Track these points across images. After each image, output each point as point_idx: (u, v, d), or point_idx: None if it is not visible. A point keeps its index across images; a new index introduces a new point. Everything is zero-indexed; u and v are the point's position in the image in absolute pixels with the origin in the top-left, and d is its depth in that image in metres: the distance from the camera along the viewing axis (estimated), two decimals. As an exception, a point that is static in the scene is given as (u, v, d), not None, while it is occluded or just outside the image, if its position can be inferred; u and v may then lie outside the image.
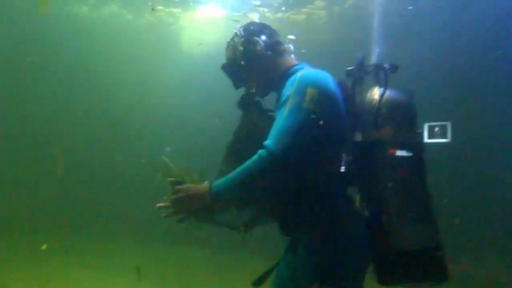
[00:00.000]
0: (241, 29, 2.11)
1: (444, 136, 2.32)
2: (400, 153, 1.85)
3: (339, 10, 8.62)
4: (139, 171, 5.65)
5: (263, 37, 2.05)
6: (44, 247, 5.70)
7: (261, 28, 2.12)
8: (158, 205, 1.94)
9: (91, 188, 8.66)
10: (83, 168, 8.88)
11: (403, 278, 1.82)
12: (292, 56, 2.13)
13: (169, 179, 1.97)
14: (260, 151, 1.74)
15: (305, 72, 1.89)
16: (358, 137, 1.92)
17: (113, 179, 8.69)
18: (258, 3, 7.76)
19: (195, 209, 1.90)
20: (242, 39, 2.07)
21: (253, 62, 2.06)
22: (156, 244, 7.62)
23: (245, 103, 2.11)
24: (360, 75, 2.04)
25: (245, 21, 2.20)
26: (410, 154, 1.87)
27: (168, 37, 9.54)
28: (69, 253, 6.95)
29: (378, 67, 2.03)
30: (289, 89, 1.82)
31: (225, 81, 2.24)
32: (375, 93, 1.95)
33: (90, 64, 9.14)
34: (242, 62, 2.07)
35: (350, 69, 2.05)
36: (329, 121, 1.80)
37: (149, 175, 2.07)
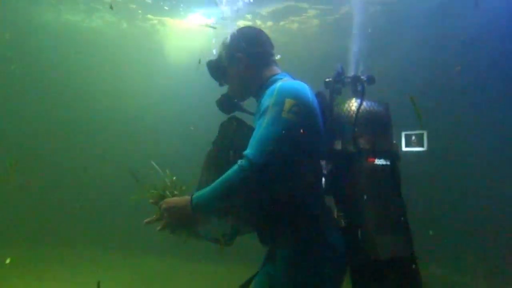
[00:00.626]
0: (234, 32, 2.13)
1: (421, 145, 2.39)
2: (378, 161, 1.89)
3: (332, 19, 8.72)
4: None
5: (252, 44, 2.07)
6: (7, 261, 5.48)
7: (253, 35, 2.13)
8: (145, 220, 1.97)
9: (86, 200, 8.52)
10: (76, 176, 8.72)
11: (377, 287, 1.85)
12: (277, 66, 2.13)
13: (151, 192, 1.99)
14: (240, 161, 1.75)
15: (284, 83, 1.91)
16: (337, 146, 1.95)
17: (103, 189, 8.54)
18: (246, 13, 7.80)
19: (178, 222, 1.91)
20: (228, 43, 2.10)
21: (232, 67, 2.09)
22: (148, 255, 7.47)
23: (224, 104, 2.13)
24: (338, 86, 2.08)
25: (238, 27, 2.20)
26: (388, 163, 1.91)
27: (159, 44, 9.52)
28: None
29: (356, 78, 2.08)
30: (268, 99, 1.84)
31: (208, 88, 2.25)
32: (353, 104, 1.99)
33: (85, 72, 9.06)
34: (223, 64, 2.11)
35: (328, 81, 2.09)
36: (307, 132, 1.82)
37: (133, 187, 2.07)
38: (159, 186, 2.02)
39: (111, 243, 7.70)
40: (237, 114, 2.15)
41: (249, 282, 2.06)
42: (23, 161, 7.92)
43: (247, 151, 1.76)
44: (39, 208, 8.21)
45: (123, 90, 9.46)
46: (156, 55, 9.53)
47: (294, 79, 2.03)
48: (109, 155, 8.84)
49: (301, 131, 1.81)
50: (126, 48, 9.53)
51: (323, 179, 1.98)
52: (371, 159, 1.89)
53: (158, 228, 1.95)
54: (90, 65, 9.26)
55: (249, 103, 2.19)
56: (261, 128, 1.78)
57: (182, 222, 1.92)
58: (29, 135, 8.71)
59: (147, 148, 7.34)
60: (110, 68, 9.35)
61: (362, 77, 2.07)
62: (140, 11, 8.65)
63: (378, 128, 1.97)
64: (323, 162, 2.00)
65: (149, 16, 8.90)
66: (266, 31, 2.21)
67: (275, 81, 1.97)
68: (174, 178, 2.07)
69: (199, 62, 2.52)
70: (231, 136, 1.96)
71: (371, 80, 2.06)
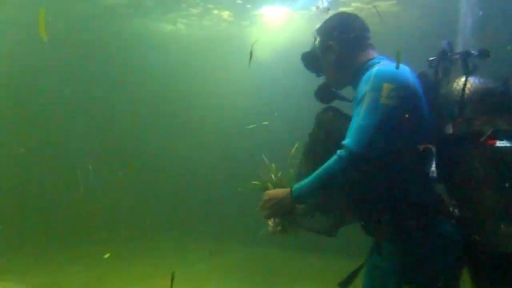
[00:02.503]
0: (326, 20, 2.09)
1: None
2: (500, 143, 1.68)
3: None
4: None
5: (344, 31, 2.00)
6: (106, 255, 6.06)
7: (345, 21, 2.06)
8: (256, 208, 2.03)
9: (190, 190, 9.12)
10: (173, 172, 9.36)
11: (501, 283, 1.66)
12: (373, 50, 2.03)
13: (253, 184, 2.08)
14: (339, 151, 1.71)
15: (380, 66, 1.81)
16: (448, 130, 1.79)
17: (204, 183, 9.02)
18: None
19: (278, 213, 1.95)
20: (320, 31, 2.07)
21: (326, 56, 2.05)
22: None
23: (322, 94, 2.10)
24: (445, 64, 1.91)
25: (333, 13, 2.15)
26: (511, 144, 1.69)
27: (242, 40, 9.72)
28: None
29: (466, 54, 1.88)
30: (364, 85, 1.77)
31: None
32: (463, 82, 1.80)
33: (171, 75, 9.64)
34: (317, 55, 2.08)
35: (432, 59, 1.93)
36: (409, 116, 1.71)
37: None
38: (264, 179, 2.09)
39: (218, 234, 8.10)
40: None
41: (353, 275, 2.02)
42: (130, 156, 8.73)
43: (346, 141, 1.71)
44: (150, 201, 8.95)
45: (222, 89, 9.80)
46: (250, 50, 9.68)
47: (392, 61, 1.91)
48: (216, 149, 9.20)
49: (402, 116, 1.70)
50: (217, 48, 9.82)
51: (433, 166, 1.84)
52: (491, 141, 1.69)
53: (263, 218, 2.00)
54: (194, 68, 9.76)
55: (348, 90, 2.13)
56: (358, 116, 1.72)
57: (282, 212, 1.95)
58: (138, 131, 9.46)
59: (252, 141, 7.50)
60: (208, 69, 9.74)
61: (472, 51, 1.86)
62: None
63: (496, 107, 1.76)
64: (432, 148, 1.85)
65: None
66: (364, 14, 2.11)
67: (371, 66, 1.88)
68: (280, 174, 2.12)
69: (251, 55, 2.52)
70: (328, 127, 1.92)
71: (483, 54, 1.85)
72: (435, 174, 1.84)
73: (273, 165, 2.17)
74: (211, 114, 9.56)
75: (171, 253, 7.49)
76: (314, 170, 1.79)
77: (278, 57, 7.76)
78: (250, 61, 2.64)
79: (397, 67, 1.78)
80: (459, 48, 2.00)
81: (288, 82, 7.78)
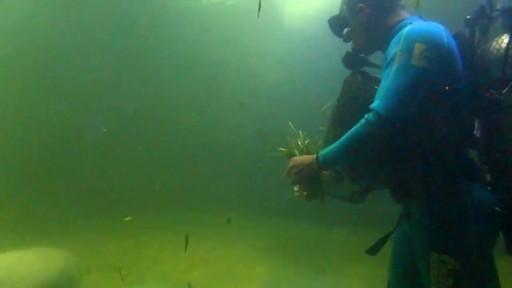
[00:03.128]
0: None
1: None
2: None
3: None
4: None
5: None
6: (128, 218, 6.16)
7: None
8: (282, 175, 2.02)
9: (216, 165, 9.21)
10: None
11: None
12: (405, 11, 1.93)
13: (280, 150, 2.07)
14: (367, 115, 1.66)
15: (412, 26, 1.72)
16: (484, 92, 1.69)
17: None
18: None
19: (304, 179, 1.93)
20: None
21: (354, 19, 1.97)
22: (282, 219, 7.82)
23: (350, 60, 2.04)
24: (483, 23, 1.79)
25: None
26: None
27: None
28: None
29: (507, 10, 1.75)
30: (395, 46, 1.68)
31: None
32: (503, 41, 1.68)
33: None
34: (345, 19, 2.01)
35: (469, 18, 1.81)
36: (443, 78, 1.63)
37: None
38: (291, 146, 2.08)
39: (244, 207, 8.20)
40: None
41: (381, 242, 1.99)
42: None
43: (374, 104, 1.65)
44: (179, 174, 9.12)
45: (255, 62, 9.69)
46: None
47: (425, 21, 1.81)
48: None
49: (435, 78, 1.62)
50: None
51: (466, 130, 1.75)
52: None
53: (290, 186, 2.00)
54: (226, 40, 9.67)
55: (377, 57, 2.06)
56: (388, 78, 1.65)
57: (308, 179, 1.94)
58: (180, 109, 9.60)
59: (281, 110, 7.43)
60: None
61: None
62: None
63: None
64: (464, 111, 1.76)
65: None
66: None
67: (402, 26, 1.79)
68: (307, 141, 2.09)
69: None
70: (356, 91, 1.86)
71: None
72: (470, 139, 1.77)
73: (300, 132, 2.15)
74: (241, 85, 9.48)
75: (199, 224, 7.66)
76: (341, 136, 1.75)
77: (309, 24, 7.58)
78: (259, 13, 2.61)
79: (427, 25, 1.69)
80: (499, 4, 1.86)
81: (320, 49, 7.60)
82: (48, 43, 8.25)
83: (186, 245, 3.83)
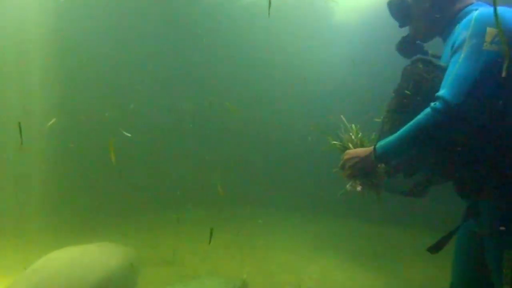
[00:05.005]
0: None
1: None
2: None
3: None
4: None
5: None
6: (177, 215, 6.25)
7: None
8: (336, 169, 1.99)
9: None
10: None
11: None
12: None
13: (333, 143, 2.03)
14: (434, 104, 1.57)
15: (483, 10, 1.63)
16: None
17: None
18: None
19: (360, 172, 1.88)
20: None
21: (417, 4, 1.89)
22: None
23: (405, 47, 1.95)
24: None
25: None
26: None
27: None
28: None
29: None
30: (464, 31, 1.60)
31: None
32: None
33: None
34: (407, 3, 1.93)
35: None
36: None
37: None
38: (344, 139, 2.03)
39: (289, 205, 8.16)
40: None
41: (444, 240, 1.89)
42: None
43: (442, 92, 1.57)
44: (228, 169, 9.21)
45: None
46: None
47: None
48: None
49: (509, 64, 1.51)
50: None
51: None
52: None
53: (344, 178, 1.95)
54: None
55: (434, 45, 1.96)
56: (457, 64, 1.56)
57: (363, 172, 1.88)
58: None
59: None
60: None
61: None
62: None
63: None
64: None
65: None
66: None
67: (468, 12, 1.70)
68: (360, 134, 2.04)
69: None
70: (418, 80, 1.77)
71: None
72: None
73: (353, 125, 2.09)
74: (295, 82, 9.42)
75: (248, 222, 7.73)
76: (399, 127, 1.68)
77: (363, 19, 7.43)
78: (269, 10, 2.57)
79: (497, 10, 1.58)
80: None
81: (371, 42, 7.41)
82: (112, 47, 8.59)
83: (210, 238, 3.90)
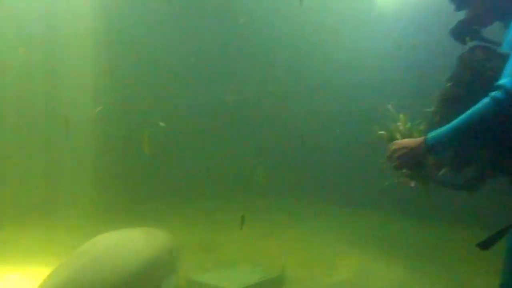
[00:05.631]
0: None
1: None
2: None
3: None
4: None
5: None
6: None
7: None
8: (382, 160, 1.94)
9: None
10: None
11: None
12: None
13: (380, 133, 1.98)
14: (494, 93, 1.50)
15: None
16: None
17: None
18: None
19: (408, 164, 1.82)
20: None
21: None
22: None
23: (460, 32, 1.85)
24: None
25: None
26: None
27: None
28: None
29: None
30: None
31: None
32: None
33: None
34: None
35: None
36: None
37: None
38: (391, 129, 1.97)
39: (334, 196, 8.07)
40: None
41: (497, 237, 1.80)
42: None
43: (503, 81, 1.49)
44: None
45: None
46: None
47: None
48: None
49: None
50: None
51: None
52: None
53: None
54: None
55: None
56: None
57: (412, 163, 1.80)
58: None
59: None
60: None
61: None
62: None
63: None
64: None
65: None
66: None
67: None
68: (409, 124, 1.97)
69: None
70: (476, 67, 1.68)
71: None
72: None
73: (401, 115, 2.02)
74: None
75: (286, 213, 7.73)
76: (453, 117, 1.61)
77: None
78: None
79: None
80: None
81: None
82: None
83: (242, 225, 3.94)
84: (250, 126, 9.46)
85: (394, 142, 1.88)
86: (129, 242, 3.64)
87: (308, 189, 8.40)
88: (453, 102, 1.74)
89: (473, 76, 1.67)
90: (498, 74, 1.52)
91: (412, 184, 1.87)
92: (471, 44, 1.83)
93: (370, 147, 2.15)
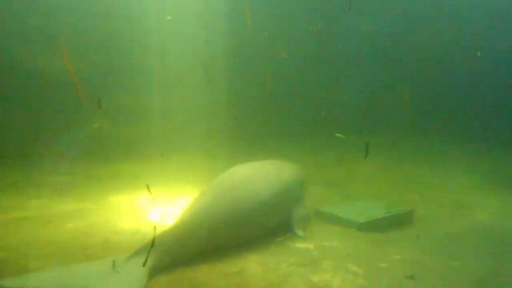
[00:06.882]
0: None
1: None
2: None
3: None
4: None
5: None
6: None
7: None
8: None
9: None
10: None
11: None
12: None
13: None
14: None
15: None
16: None
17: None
18: None
19: None
20: None
21: None
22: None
23: None
24: None
25: None
26: None
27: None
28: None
29: None
30: None
31: None
32: None
33: None
34: None
35: None
36: None
37: None
38: None
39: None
40: None
41: None
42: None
43: None
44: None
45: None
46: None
47: None
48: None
49: None
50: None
51: None
52: None
53: None
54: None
55: None
56: None
57: None
58: None
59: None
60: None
61: None
62: None
63: None
64: None
65: None
66: None
67: None
68: None
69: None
70: None
71: None
72: None
73: None
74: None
75: (412, 151, 7.38)
76: None
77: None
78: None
79: None
80: None
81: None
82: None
83: (367, 153, 3.85)
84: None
85: None
86: (262, 172, 3.90)
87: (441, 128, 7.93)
88: None
89: None
90: None
91: None
92: None
93: None
